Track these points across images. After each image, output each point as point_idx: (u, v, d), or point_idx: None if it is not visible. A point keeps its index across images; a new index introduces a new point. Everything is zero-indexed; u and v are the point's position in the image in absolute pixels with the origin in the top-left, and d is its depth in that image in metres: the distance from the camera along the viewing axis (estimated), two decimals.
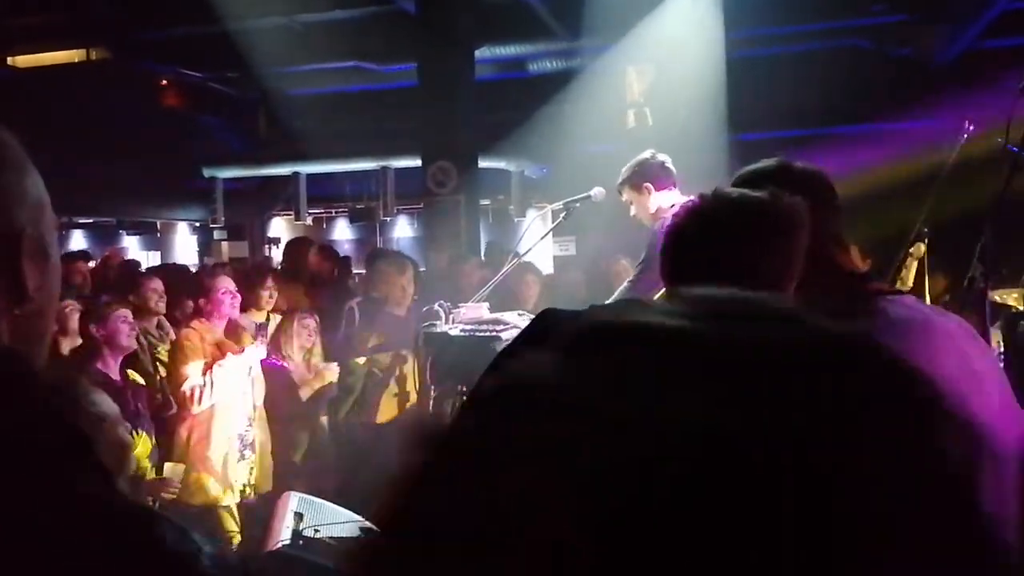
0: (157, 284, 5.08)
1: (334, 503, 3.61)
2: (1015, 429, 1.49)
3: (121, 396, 3.98)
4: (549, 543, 0.36)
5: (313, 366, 4.99)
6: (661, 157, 3.98)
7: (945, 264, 4.14)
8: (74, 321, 4.39)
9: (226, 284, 4.43)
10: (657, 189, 3.94)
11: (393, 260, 5.63)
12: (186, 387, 4.13)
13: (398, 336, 4.82)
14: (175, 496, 3.90)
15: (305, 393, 4.89)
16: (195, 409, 4.15)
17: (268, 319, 5.06)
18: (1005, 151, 2.58)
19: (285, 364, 4.89)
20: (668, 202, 3.94)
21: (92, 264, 7.93)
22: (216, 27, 8.85)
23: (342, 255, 11.07)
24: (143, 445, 3.96)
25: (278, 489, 4.00)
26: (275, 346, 4.86)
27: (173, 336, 4.74)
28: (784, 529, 0.36)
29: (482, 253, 7.95)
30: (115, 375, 4.04)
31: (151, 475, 3.91)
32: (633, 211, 4.01)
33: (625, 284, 3.97)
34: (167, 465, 3.95)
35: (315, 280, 6.43)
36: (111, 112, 11.74)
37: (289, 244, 7.31)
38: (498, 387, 0.44)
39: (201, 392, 4.13)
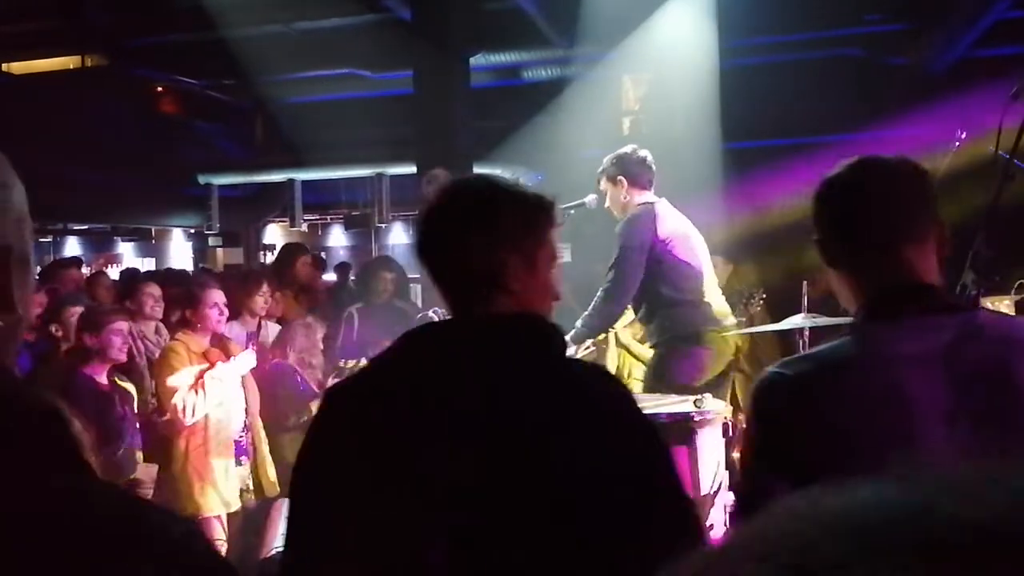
0: (154, 289, 5.07)
1: None
2: None
3: (107, 401, 3.97)
4: None
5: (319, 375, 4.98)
6: (642, 153, 3.98)
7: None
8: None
9: (216, 297, 4.35)
10: (630, 184, 3.95)
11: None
12: (176, 400, 4.10)
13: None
14: (149, 497, 3.89)
15: (314, 407, 4.86)
16: (188, 421, 4.12)
17: (260, 326, 5.05)
18: (997, 158, 2.59)
19: (296, 368, 4.87)
20: (640, 199, 3.95)
21: (85, 271, 7.90)
22: (212, 34, 8.86)
23: (339, 262, 11.08)
24: (120, 454, 3.95)
25: (284, 495, 4.00)
26: (282, 352, 4.85)
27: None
28: None
29: None
30: (103, 380, 4.03)
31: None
32: (607, 202, 4.03)
33: (600, 292, 3.96)
34: (140, 466, 3.93)
35: (304, 288, 6.41)
36: (107, 119, 11.74)
37: (281, 250, 7.27)
38: None
39: (194, 405, 4.11)
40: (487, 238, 1.47)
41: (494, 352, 1.40)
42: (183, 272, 10.45)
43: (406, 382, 1.42)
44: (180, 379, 4.12)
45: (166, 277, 8.22)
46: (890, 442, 1.35)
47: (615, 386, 1.44)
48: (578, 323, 3.95)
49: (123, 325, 4.08)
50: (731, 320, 4.07)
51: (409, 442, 1.36)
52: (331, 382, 5.01)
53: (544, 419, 1.32)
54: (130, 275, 8.67)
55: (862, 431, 1.35)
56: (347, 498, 1.37)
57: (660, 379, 3.89)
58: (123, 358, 4.14)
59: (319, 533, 1.41)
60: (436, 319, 3.53)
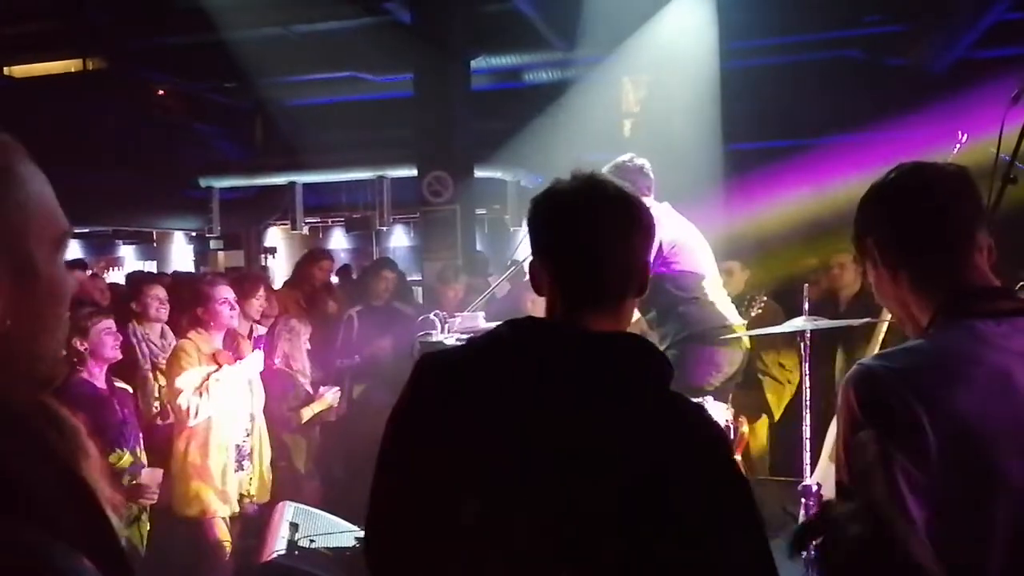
0: (159, 292, 5.08)
1: (341, 513, 3.61)
2: None
3: (107, 405, 3.96)
4: None
5: (312, 382, 4.98)
6: (639, 161, 3.97)
7: None
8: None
9: (225, 293, 4.36)
10: None
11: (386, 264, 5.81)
12: (181, 400, 4.10)
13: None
14: (153, 502, 3.88)
15: (305, 415, 4.86)
16: (191, 422, 4.12)
17: (252, 330, 5.06)
18: (998, 161, 2.59)
19: (288, 370, 4.88)
20: None
21: (89, 273, 7.87)
22: (213, 37, 8.87)
23: (341, 264, 11.07)
24: (124, 459, 3.95)
25: (282, 499, 4.00)
26: (269, 351, 4.86)
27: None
28: None
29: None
30: (100, 383, 4.02)
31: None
32: None
33: None
34: (144, 471, 3.93)
35: (312, 293, 6.42)
36: (107, 121, 11.74)
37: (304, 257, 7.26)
38: None
39: (198, 407, 4.10)
40: (637, 239, 1.47)
41: (601, 371, 1.36)
42: (190, 274, 10.46)
43: (508, 374, 1.38)
44: (186, 380, 4.13)
45: (173, 280, 8.21)
46: (1010, 434, 1.37)
47: (712, 429, 1.41)
48: None
49: (109, 323, 4.05)
50: (739, 320, 4.08)
51: (495, 437, 1.34)
52: (327, 388, 5.01)
53: (631, 450, 1.30)
54: (136, 278, 8.65)
55: (983, 422, 1.36)
56: (423, 468, 1.37)
57: (676, 381, 3.88)
58: (118, 355, 4.12)
59: (398, 490, 1.42)
60: (437, 322, 3.53)
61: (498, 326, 1.48)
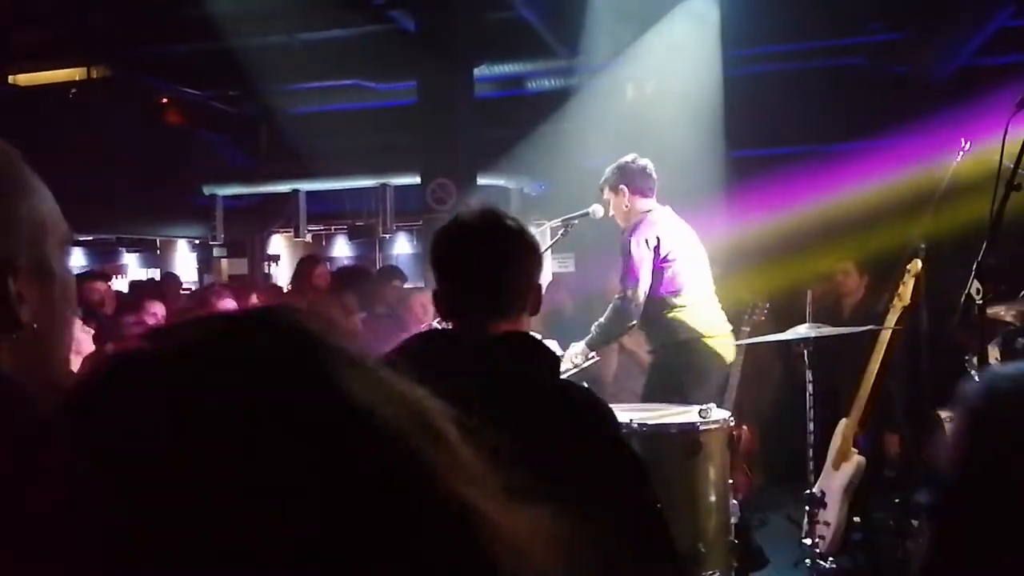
0: (158, 308, 5.11)
1: None
2: None
3: None
4: None
5: None
6: (642, 162, 4.06)
7: (942, 281, 4.15)
8: (87, 344, 4.39)
9: (227, 305, 4.40)
10: (632, 192, 4.05)
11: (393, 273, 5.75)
12: None
13: None
14: None
15: None
16: None
17: None
18: (1001, 167, 2.59)
19: None
20: (642, 207, 4.04)
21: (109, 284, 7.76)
22: (217, 45, 8.89)
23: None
24: None
25: None
26: None
27: None
28: None
29: None
30: None
31: None
32: (611, 211, 4.12)
33: (615, 301, 4.01)
34: None
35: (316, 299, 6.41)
36: (111, 129, 11.77)
37: (299, 263, 7.26)
38: None
39: None
40: (532, 262, 1.70)
41: (509, 365, 1.58)
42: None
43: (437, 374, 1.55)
44: None
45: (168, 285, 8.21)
46: None
47: (601, 407, 1.61)
48: (593, 329, 3.99)
49: None
50: (727, 328, 4.09)
51: None
52: None
53: (536, 431, 1.46)
54: (138, 287, 8.67)
55: None
56: None
57: (658, 387, 3.90)
58: None
59: None
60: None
61: (407, 340, 1.70)
